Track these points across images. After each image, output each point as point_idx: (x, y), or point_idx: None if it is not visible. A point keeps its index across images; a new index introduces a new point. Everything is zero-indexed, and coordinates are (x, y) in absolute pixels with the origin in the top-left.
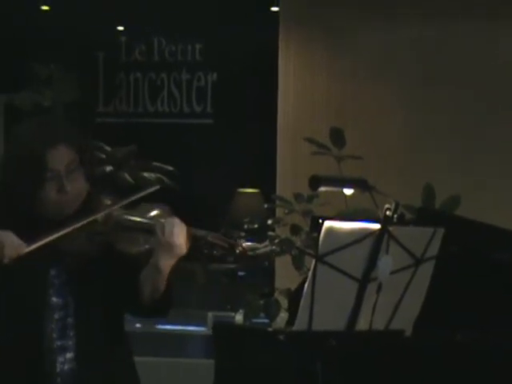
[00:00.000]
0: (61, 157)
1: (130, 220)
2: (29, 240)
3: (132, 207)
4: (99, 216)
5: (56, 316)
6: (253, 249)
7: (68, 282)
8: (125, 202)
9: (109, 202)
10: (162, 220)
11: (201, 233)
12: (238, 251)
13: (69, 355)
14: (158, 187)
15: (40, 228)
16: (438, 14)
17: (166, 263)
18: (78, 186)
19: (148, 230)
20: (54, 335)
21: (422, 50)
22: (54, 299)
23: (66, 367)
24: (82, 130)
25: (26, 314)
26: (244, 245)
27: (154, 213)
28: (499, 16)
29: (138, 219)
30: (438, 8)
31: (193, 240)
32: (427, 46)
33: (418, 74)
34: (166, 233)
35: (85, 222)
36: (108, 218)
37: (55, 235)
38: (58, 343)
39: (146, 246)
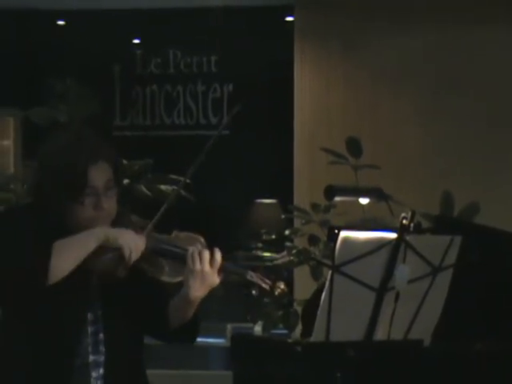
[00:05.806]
0: (101, 174)
1: (162, 247)
2: None
3: (164, 233)
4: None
5: (89, 330)
6: (271, 260)
7: (98, 297)
8: (154, 220)
9: (138, 221)
10: (195, 249)
11: (240, 271)
12: (276, 293)
13: (101, 371)
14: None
15: None
16: (454, 23)
17: (197, 294)
18: (112, 205)
19: (180, 258)
20: (90, 349)
21: (439, 60)
22: (88, 314)
23: (98, 383)
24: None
25: (64, 328)
26: (282, 286)
27: (187, 242)
28: None
29: (171, 247)
30: (453, 17)
31: (229, 275)
32: (444, 56)
33: (435, 83)
34: (197, 263)
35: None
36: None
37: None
38: (92, 358)
39: (178, 278)
